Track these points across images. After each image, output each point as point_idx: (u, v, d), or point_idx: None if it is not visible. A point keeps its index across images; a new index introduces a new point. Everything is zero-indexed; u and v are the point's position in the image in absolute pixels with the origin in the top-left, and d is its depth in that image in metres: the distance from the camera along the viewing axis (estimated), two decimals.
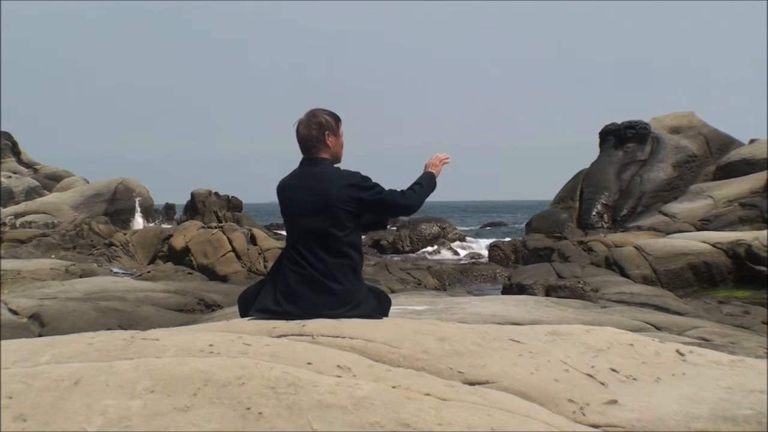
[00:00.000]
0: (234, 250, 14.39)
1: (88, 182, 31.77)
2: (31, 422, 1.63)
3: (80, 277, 11.63)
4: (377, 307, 3.04)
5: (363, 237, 3.35)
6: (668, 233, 15.53)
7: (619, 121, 23.87)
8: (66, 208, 28.04)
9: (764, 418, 2.02)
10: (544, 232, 20.41)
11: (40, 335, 6.55)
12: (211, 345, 2.24)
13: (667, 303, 8.85)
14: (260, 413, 1.73)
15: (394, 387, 1.98)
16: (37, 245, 17.88)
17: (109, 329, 5.85)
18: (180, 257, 14.76)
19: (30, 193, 30.20)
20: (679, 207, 18.96)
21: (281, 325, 2.66)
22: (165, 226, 22.59)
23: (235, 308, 3.39)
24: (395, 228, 24.16)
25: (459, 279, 15.16)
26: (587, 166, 23.98)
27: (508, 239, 22.00)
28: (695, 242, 12.63)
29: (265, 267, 13.58)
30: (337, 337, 2.50)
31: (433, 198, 3.26)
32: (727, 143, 23.01)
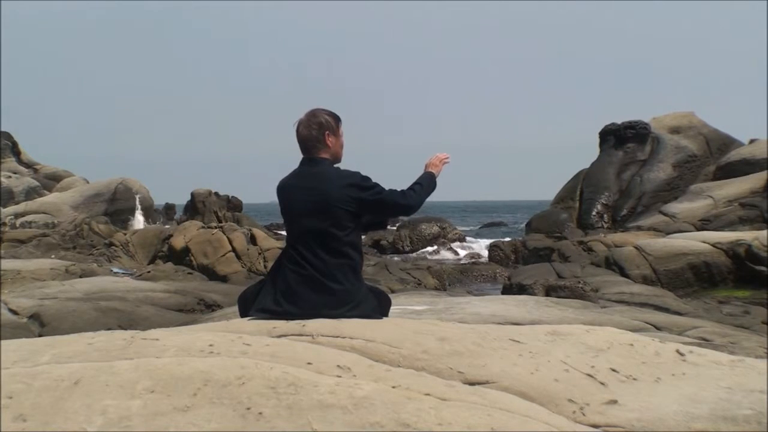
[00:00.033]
0: (234, 250, 14.39)
1: (88, 182, 31.78)
2: (31, 422, 1.63)
3: (80, 277, 11.63)
4: (377, 307, 3.04)
5: (363, 237, 3.35)
6: (668, 233, 15.54)
7: (619, 121, 23.88)
8: (66, 208, 28.04)
9: (764, 418, 2.02)
10: (544, 232, 20.42)
11: (40, 335, 6.55)
12: (211, 345, 2.24)
13: (667, 303, 8.85)
14: (260, 413, 1.73)
15: (394, 387, 1.98)
16: (37, 245, 17.88)
17: (109, 329, 5.85)
18: (180, 257, 14.76)
19: (30, 193, 30.20)
20: (679, 207, 18.96)
21: (281, 325, 2.66)
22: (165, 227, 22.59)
23: (235, 308, 3.39)
24: (395, 228, 24.16)
25: (459, 279, 15.16)
26: (587, 166, 23.99)
27: (508, 239, 22.00)
28: (695, 242, 12.64)
29: (265, 267, 13.58)
30: (337, 337, 2.50)
31: (433, 198, 3.26)
32: (727, 143, 23.02)
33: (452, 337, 2.59)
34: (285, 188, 3.08)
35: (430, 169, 3.28)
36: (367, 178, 3.01)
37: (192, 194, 28.83)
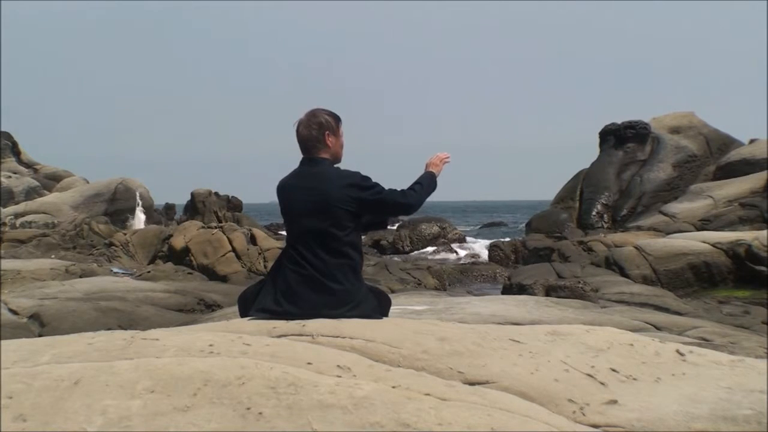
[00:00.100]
0: (234, 250, 14.39)
1: (88, 182, 31.77)
2: (31, 422, 1.63)
3: (80, 277, 11.63)
4: (377, 307, 3.04)
5: (363, 237, 3.35)
6: (668, 233, 15.54)
7: (619, 121, 23.89)
8: (66, 208, 28.04)
9: (764, 418, 2.02)
10: (544, 232, 20.42)
11: (40, 335, 6.55)
12: (211, 345, 2.24)
13: (667, 303, 8.85)
14: (260, 413, 1.73)
15: (394, 387, 1.98)
16: (37, 245, 17.88)
17: (109, 329, 5.85)
18: (180, 257, 14.76)
19: (30, 193, 30.19)
20: (679, 207, 18.96)
21: (281, 325, 2.66)
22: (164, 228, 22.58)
23: (235, 308, 3.39)
24: (395, 228, 24.17)
25: (459, 279, 15.16)
26: (587, 166, 24.00)
27: (508, 239, 21.99)
28: (695, 242, 12.64)
29: (265, 267, 13.58)
30: (337, 337, 2.50)
31: (433, 198, 3.26)
32: (727, 143, 23.03)
33: (452, 337, 2.59)
34: (285, 188, 3.08)
35: (430, 169, 3.28)
36: (367, 178, 3.01)
37: (192, 194, 28.84)
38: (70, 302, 8.28)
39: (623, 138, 23.28)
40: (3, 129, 33.69)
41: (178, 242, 15.04)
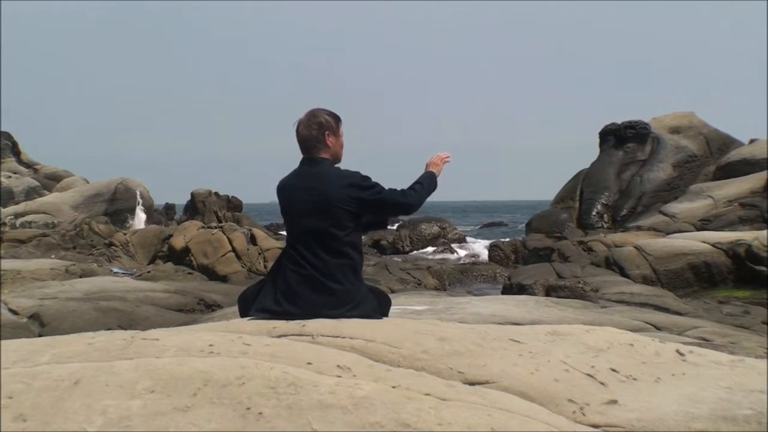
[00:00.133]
0: (234, 250, 14.39)
1: (88, 182, 31.76)
2: (31, 422, 1.63)
3: (80, 277, 11.64)
4: (377, 307, 3.04)
5: (363, 237, 3.35)
6: (668, 233, 15.54)
7: (619, 121, 23.88)
8: (66, 208, 28.03)
9: (764, 418, 2.02)
10: (544, 232, 20.42)
11: (40, 335, 6.55)
12: (211, 345, 2.24)
13: (667, 303, 8.85)
14: (260, 413, 1.73)
15: (394, 387, 1.98)
16: (37, 245, 17.88)
17: (109, 329, 5.85)
18: (180, 257, 14.76)
19: (30, 193, 30.19)
20: (679, 207, 18.96)
21: (281, 325, 2.66)
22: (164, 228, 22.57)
23: (235, 308, 3.39)
24: (395, 228, 24.17)
25: (459, 279, 15.16)
26: (587, 166, 23.99)
27: (508, 239, 21.99)
28: (695, 242, 12.64)
29: (265, 267, 13.58)
30: (337, 337, 2.50)
31: (433, 198, 3.26)
32: (727, 143, 23.02)
33: (452, 337, 2.59)
34: (285, 188, 3.08)
35: (430, 169, 3.28)
36: (367, 178, 3.01)
37: (192, 194, 28.84)
38: (70, 302, 8.28)
39: (623, 138, 23.28)
40: (3, 129, 33.71)
41: (178, 242, 15.04)
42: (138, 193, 29.16)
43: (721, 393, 2.23)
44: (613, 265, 12.45)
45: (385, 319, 3.00)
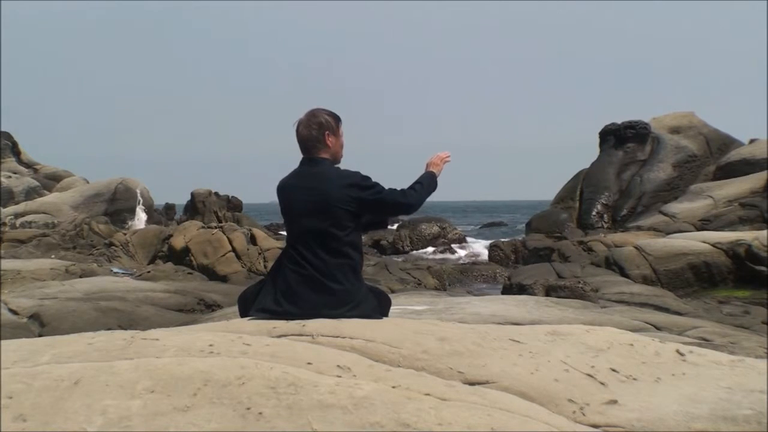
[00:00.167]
0: (234, 250, 14.39)
1: (88, 182, 31.76)
2: (31, 422, 1.63)
3: (80, 277, 11.63)
4: (377, 307, 3.04)
5: (363, 237, 3.35)
6: (668, 233, 15.54)
7: (619, 121, 23.89)
8: (66, 208, 28.03)
9: (764, 418, 2.02)
10: (544, 232, 20.42)
11: (40, 335, 6.55)
12: (211, 345, 2.24)
13: (667, 303, 8.85)
14: (260, 413, 1.73)
15: (394, 387, 1.98)
16: (37, 245, 17.88)
17: (109, 329, 5.85)
18: (180, 257, 14.76)
19: (30, 193, 30.19)
20: (679, 207, 18.96)
21: (281, 325, 2.66)
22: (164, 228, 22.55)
23: (235, 308, 3.39)
24: (395, 228, 24.17)
25: (459, 279, 15.16)
26: (587, 166, 24.00)
27: (508, 239, 22.00)
28: (695, 242, 12.64)
29: (265, 267, 13.58)
30: (337, 337, 2.50)
31: (433, 198, 3.26)
32: (727, 143, 23.03)
33: (452, 337, 2.59)
34: (285, 188, 3.08)
35: (431, 169, 3.28)
36: (367, 178, 3.01)
37: (192, 194, 28.84)
38: (70, 302, 8.28)
39: (623, 138, 23.29)
40: (3, 129, 33.71)
41: (178, 242, 15.04)
42: (138, 192, 29.17)
43: (721, 393, 2.23)
44: (613, 265, 12.45)
45: (385, 319, 3.00)
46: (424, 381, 2.11)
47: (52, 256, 15.36)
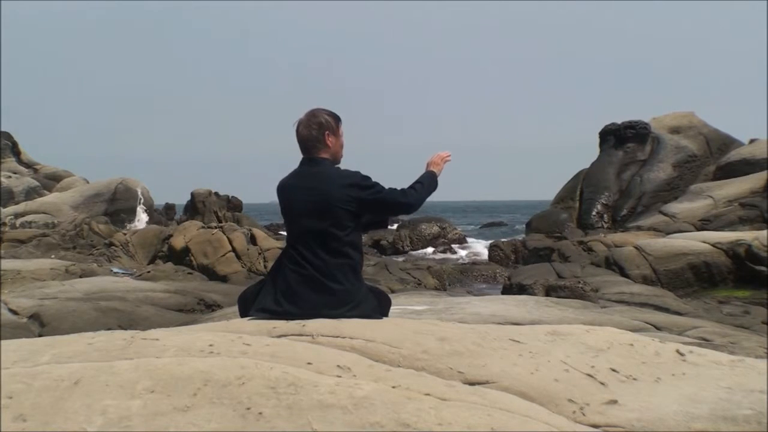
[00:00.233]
0: (234, 250, 14.39)
1: (88, 182, 31.77)
2: (31, 422, 1.63)
3: (80, 277, 11.64)
4: (377, 307, 3.04)
5: (363, 237, 3.35)
6: (668, 233, 15.54)
7: (619, 121, 23.89)
8: (66, 208, 28.04)
9: (764, 418, 2.02)
10: (544, 232, 20.42)
11: (40, 335, 6.55)
12: (211, 345, 2.24)
13: (667, 303, 8.85)
14: (260, 413, 1.73)
15: (394, 387, 1.98)
16: (37, 245, 17.88)
17: (109, 329, 5.85)
18: (180, 257, 14.76)
19: (30, 193, 30.19)
20: (679, 207, 18.96)
21: (281, 325, 2.66)
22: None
23: (235, 308, 3.39)
24: (395, 228, 24.17)
25: (459, 279, 15.16)
26: (587, 166, 24.00)
27: (508, 239, 22.00)
28: (695, 242, 12.64)
29: (265, 267, 13.58)
30: (337, 337, 2.50)
31: (433, 198, 3.26)
32: (727, 143, 23.03)
33: (452, 337, 2.59)
34: (285, 188, 3.08)
35: (431, 168, 3.27)
36: (367, 178, 3.01)
37: (192, 194, 28.84)
38: (70, 302, 8.29)
39: (623, 138, 23.29)
40: (3, 129, 33.71)
41: (178, 242, 15.04)
42: (139, 191, 29.18)
43: (721, 393, 2.23)
44: (613, 265, 12.45)
45: (385, 319, 3.00)
46: (424, 381, 2.11)
47: (52, 256, 15.36)
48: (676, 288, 11.48)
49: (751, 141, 22.40)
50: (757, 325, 7.72)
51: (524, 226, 25.17)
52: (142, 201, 28.92)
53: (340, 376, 2.04)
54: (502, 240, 21.42)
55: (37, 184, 31.41)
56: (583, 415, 2.06)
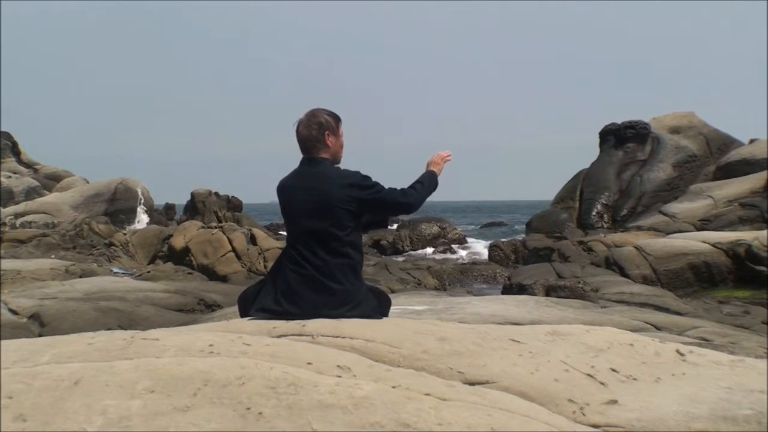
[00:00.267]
0: (234, 250, 14.39)
1: (88, 182, 31.77)
2: (31, 422, 1.63)
3: (80, 277, 11.64)
4: (377, 307, 3.04)
5: (363, 237, 3.35)
6: (668, 233, 15.54)
7: (619, 121, 23.89)
8: (66, 208, 28.04)
9: (764, 418, 2.02)
10: (544, 232, 20.42)
11: (40, 335, 6.55)
12: (211, 345, 2.24)
13: (667, 303, 8.85)
14: (260, 413, 1.73)
15: (394, 387, 1.98)
16: (37, 245, 17.88)
17: (109, 329, 5.85)
18: (180, 257, 14.76)
19: (30, 193, 30.19)
20: (679, 207, 18.96)
21: (281, 325, 2.66)
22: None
23: (235, 308, 3.39)
24: (395, 228, 24.17)
25: (459, 279, 15.16)
26: (587, 166, 24.00)
27: (508, 239, 22.00)
28: (695, 242, 12.64)
29: (265, 267, 13.58)
30: (337, 337, 2.50)
31: (433, 198, 3.26)
32: (727, 143, 23.03)
33: (452, 337, 2.59)
34: (285, 188, 3.08)
35: (431, 168, 3.27)
36: (367, 178, 3.01)
37: (192, 194, 28.84)
38: (70, 302, 8.28)
39: (623, 138, 23.29)
40: (3, 129, 33.72)
41: (178, 242, 15.04)
42: (139, 191, 29.18)
43: (721, 393, 2.23)
44: (613, 265, 12.45)
45: (385, 319, 3.00)
46: (424, 381, 2.11)
47: (52, 256, 15.36)
48: (676, 288, 11.48)
49: (751, 141, 22.40)
50: (757, 325, 7.72)
51: (524, 226, 25.17)
52: (142, 201, 28.92)
53: (340, 376, 2.04)
54: (502, 240, 21.42)
55: (37, 184, 31.41)
56: (583, 415, 2.06)
